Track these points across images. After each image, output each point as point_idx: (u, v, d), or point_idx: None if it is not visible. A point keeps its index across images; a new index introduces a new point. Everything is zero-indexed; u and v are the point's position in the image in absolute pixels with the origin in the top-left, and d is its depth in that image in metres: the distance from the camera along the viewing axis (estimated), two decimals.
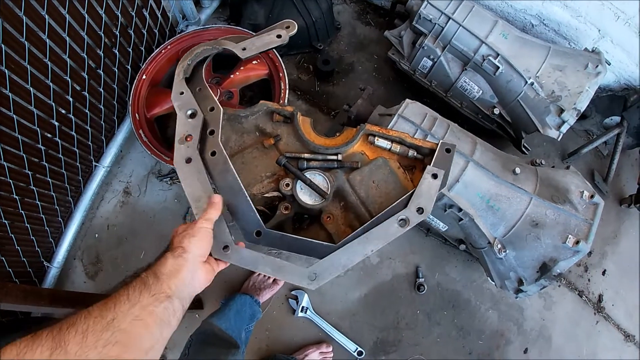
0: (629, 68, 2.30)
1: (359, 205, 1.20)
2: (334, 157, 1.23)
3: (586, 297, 2.40)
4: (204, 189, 1.12)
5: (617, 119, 2.49)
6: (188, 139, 1.17)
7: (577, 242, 1.70)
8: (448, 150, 1.22)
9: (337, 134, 1.35)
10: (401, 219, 1.10)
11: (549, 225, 1.75)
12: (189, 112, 1.22)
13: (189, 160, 1.14)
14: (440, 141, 1.22)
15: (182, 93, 1.26)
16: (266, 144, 1.25)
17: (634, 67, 2.27)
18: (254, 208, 1.12)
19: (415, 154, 1.25)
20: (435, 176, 1.14)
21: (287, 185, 1.19)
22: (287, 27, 1.41)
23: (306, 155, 1.23)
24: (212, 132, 1.19)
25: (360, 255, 1.08)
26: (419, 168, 1.28)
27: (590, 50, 2.12)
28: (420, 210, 1.11)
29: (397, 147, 1.24)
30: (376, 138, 1.25)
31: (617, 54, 2.27)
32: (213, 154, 1.17)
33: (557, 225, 1.75)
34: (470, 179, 1.78)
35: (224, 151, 1.16)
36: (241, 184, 1.13)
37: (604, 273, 2.45)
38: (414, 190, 1.15)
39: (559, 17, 2.27)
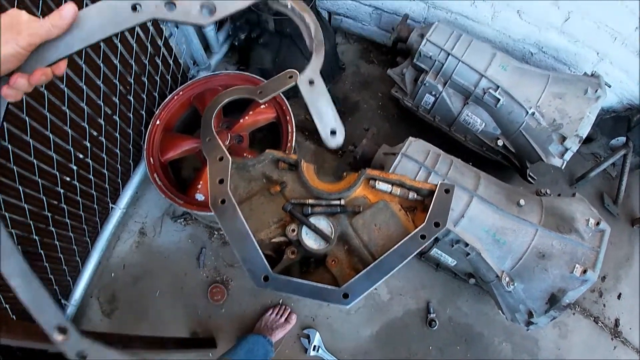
0: (629, 88, 2.32)
1: (362, 248, 1.23)
2: (337, 202, 1.28)
3: (602, 322, 2.35)
4: None
5: (622, 139, 2.49)
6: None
7: (585, 271, 1.70)
8: (447, 191, 1.25)
9: (345, 174, 1.40)
10: None
11: (556, 256, 1.75)
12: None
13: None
14: (439, 182, 1.26)
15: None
16: (272, 191, 1.31)
17: (635, 86, 2.29)
18: (262, 254, 1.16)
19: (415, 195, 1.29)
20: (437, 224, 1.18)
21: (293, 230, 1.24)
22: (290, 77, 1.47)
23: (310, 201, 1.28)
24: (221, 181, 1.25)
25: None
26: (420, 208, 1.32)
27: (590, 74, 2.15)
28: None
29: (397, 190, 1.29)
30: (377, 182, 1.29)
31: (617, 74, 2.28)
32: (223, 202, 1.23)
33: (564, 255, 1.75)
34: (475, 213, 1.80)
35: (233, 199, 1.21)
36: (249, 231, 1.18)
37: (619, 297, 2.40)
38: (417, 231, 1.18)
39: (556, 43, 2.31)
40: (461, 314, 2.35)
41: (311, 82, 0.93)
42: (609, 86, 2.13)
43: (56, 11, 0.72)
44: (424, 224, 1.22)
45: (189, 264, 2.46)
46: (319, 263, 1.30)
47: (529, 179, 2.28)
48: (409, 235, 1.20)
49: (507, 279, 1.79)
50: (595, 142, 2.64)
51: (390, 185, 1.29)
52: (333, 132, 0.91)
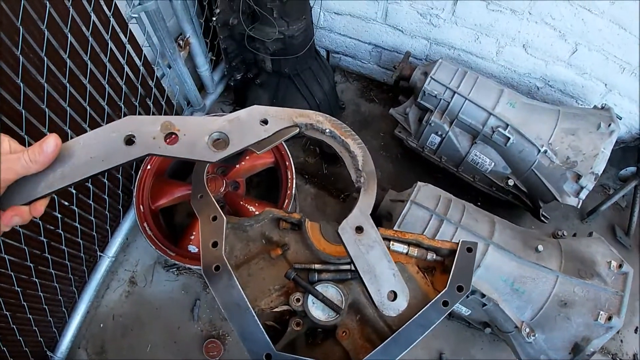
0: (639, 118, 2.26)
1: (376, 319, 1.10)
2: (347, 267, 1.15)
3: (620, 359, 2.25)
4: None
5: (632, 169, 2.43)
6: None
7: (610, 318, 1.61)
8: (469, 250, 1.13)
9: None
10: None
11: (579, 303, 1.66)
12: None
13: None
14: (460, 240, 1.13)
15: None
16: (273, 255, 1.17)
17: None
18: (263, 329, 1.02)
19: (434, 256, 1.16)
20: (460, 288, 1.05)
21: (298, 300, 1.10)
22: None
23: (317, 266, 1.15)
24: (215, 244, 1.12)
25: None
26: (440, 269, 1.19)
27: (600, 107, 2.09)
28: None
29: (414, 251, 1.16)
30: (391, 242, 1.16)
31: (625, 105, 2.23)
32: (217, 268, 1.09)
33: (587, 302, 1.66)
34: (492, 262, 1.69)
35: (229, 265, 1.08)
36: (248, 303, 1.04)
37: (636, 330, 2.29)
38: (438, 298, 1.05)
39: (563, 76, 2.26)
40: None
41: (359, 230, 0.77)
42: (620, 118, 2.07)
43: (37, 144, 0.62)
44: (446, 288, 1.09)
45: (182, 316, 2.31)
46: (328, 333, 1.16)
47: (542, 218, 2.17)
48: (430, 303, 1.06)
49: (528, 329, 1.69)
50: (604, 174, 2.55)
51: (406, 246, 1.16)
52: (392, 295, 0.75)
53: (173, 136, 0.71)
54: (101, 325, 2.33)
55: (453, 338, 2.25)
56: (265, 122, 0.77)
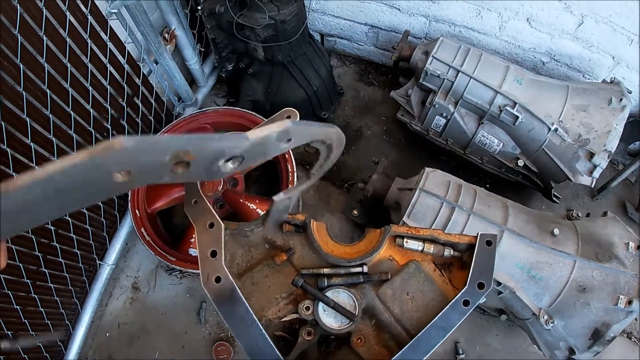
0: None
1: (393, 324, 1.02)
2: (359, 270, 1.06)
3: (635, 337, 2.19)
4: None
5: None
6: None
7: (630, 302, 1.55)
8: (489, 243, 1.05)
9: (368, 230, 1.18)
10: None
11: (598, 288, 1.60)
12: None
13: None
14: (479, 233, 1.05)
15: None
16: (278, 261, 1.09)
17: None
18: (272, 344, 0.95)
19: (451, 252, 1.07)
20: (481, 286, 0.97)
21: (308, 308, 1.02)
22: (288, 117, 1.27)
23: (326, 271, 1.06)
24: (214, 254, 1.04)
25: None
26: (457, 265, 1.11)
27: (609, 81, 2.00)
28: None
29: (430, 247, 1.08)
30: (405, 240, 1.08)
31: (634, 78, 2.14)
32: (217, 279, 1.01)
33: (606, 286, 1.60)
34: (507, 249, 1.63)
35: (230, 276, 1.00)
36: (254, 316, 0.97)
37: None
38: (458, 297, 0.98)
39: (570, 50, 2.17)
40: (491, 350, 2.15)
41: None
42: (630, 92, 1.99)
43: None
44: (466, 287, 1.01)
45: (188, 321, 2.24)
46: (342, 341, 1.09)
47: (554, 198, 2.09)
48: (450, 304, 0.99)
49: (546, 316, 1.63)
50: None
51: (421, 243, 1.08)
52: None
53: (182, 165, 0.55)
54: (107, 334, 2.27)
55: (468, 326, 2.19)
56: (289, 140, 0.67)
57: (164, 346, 2.22)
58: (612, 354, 2.12)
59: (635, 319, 2.20)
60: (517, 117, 1.86)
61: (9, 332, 1.75)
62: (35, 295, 1.83)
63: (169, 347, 2.21)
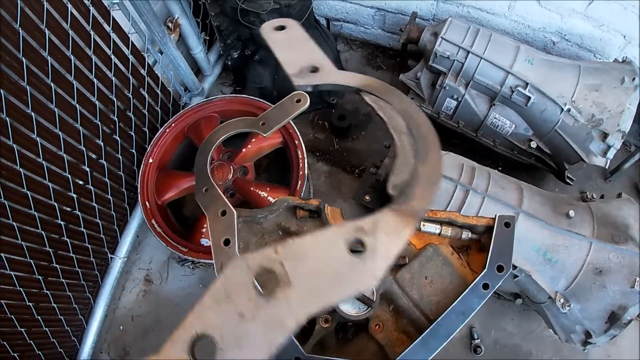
0: None
1: (412, 309, 1.01)
2: None
3: None
4: None
5: None
6: None
7: None
8: (507, 225, 1.03)
9: None
10: None
11: (614, 271, 1.59)
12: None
13: None
14: (497, 215, 1.03)
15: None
16: None
17: None
18: None
19: (469, 234, 1.06)
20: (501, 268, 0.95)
21: None
22: (299, 101, 1.24)
23: None
24: (227, 242, 1.02)
25: None
26: (475, 248, 1.09)
27: (621, 60, 1.97)
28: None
29: (447, 230, 1.06)
30: (422, 223, 1.06)
31: None
32: None
33: (623, 268, 1.58)
34: (523, 232, 1.60)
35: None
36: None
37: None
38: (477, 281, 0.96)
39: (580, 29, 2.12)
40: (507, 334, 2.15)
41: None
42: None
43: None
44: (485, 270, 0.99)
45: None
46: (359, 327, 1.08)
47: (568, 180, 2.06)
48: (469, 288, 0.98)
49: (562, 300, 1.62)
50: None
51: (438, 226, 1.06)
52: None
53: None
54: (121, 327, 2.28)
55: (482, 310, 2.13)
56: None
57: None
58: (628, 339, 2.12)
59: None
60: (529, 97, 1.83)
61: (23, 329, 1.75)
62: (48, 291, 1.82)
63: None
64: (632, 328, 2.11)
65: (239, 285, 0.84)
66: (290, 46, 1.12)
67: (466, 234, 1.06)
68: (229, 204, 1.06)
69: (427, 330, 0.94)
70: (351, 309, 1.01)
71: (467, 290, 0.97)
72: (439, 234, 1.06)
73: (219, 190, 1.10)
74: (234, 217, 1.04)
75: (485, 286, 0.99)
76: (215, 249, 1.03)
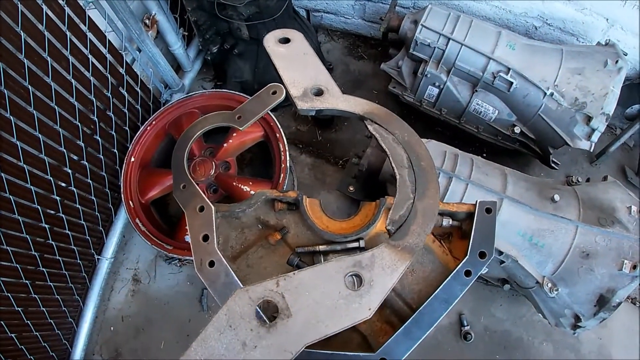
0: None
1: (394, 299, 1.00)
2: (356, 245, 1.03)
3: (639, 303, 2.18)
4: None
5: (638, 107, 2.33)
6: None
7: (635, 267, 1.55)
8: (489, 211, 1.02)
9: (363, 204, 1.16)
10: None
11: (601, 254, 1.59)
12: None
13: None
14: (478, 201, 1.02)
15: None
16: (272, 241, 1.06)
17: None
18: None
19: (450, 221, 1.05)
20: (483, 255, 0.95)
21: None
22: (274, 93, 1.22)
23: (321, 248, 1.04)
24: (206, 238, 1.01)
25: None
26: (457, 235, 1.09)
27: (604, 43, 1.97)
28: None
29: None
30: None
31: (629, 40, 2.11)
32: (211, 264, 0.99)
33: (610, 251, 1.59)
34: (508, 217, 1.61)
35: (224, 260, 0.97)
36: None
37: None
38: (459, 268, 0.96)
39: (562, 13, 2.12)
40: (496, 320, 2.16)
41: None
42: (625, 54, 1.94)
43: None
44: (466, 257, 0.99)
45: (191, 309, 2.24)
46: None
47: (553, 164, 2.07)
48: (451, 275, 0.97)
49: (550, 284, 1.63)
50: None
51: None
52: None
53: None
54: (112, 328, 2.28)
55: (471, 297, 2.19)
56: None
57: (170, 336, 2.22)
58: (618, 322, 2.13)
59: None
60: (512, 83, 1.83)
61: (13, 335, 1.74)
62: (36, 295, 1.82)
63: (174, 336, 2.22)
64: (623, 311, 2.13)
65: (241, 315, 0.85)
66: (295, 62, 1.12)
67: (447, 221, 1.05)
68: (207, 200, 1.05)
69: (410, 320, 0.94)
70: None
71: (449, 277, 0.97)
72: None
73: (197, 186, 1.08)
74: (212, 212, 1.03)
75: (468, 273, 0.99)
76: (194, 245, 1.02)
